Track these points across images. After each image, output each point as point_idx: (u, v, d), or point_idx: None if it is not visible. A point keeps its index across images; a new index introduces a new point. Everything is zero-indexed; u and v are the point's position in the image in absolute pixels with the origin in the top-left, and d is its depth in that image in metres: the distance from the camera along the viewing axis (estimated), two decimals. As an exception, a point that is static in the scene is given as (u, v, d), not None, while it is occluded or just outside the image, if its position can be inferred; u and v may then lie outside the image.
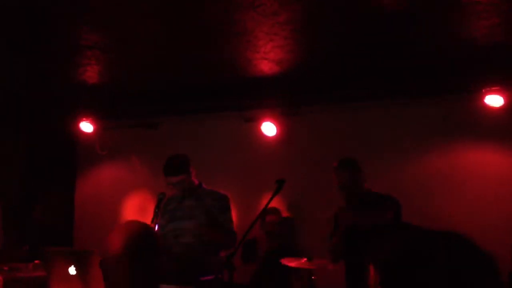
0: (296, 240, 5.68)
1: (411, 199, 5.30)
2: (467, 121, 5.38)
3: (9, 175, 6.47)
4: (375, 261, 1.78)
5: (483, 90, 5.17)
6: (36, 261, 4.33)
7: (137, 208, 6.54)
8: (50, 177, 6.85)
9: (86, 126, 6.65)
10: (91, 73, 5.35)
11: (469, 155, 5.46)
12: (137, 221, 2.38)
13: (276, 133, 6.03)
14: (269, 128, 6.02)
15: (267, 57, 4.87)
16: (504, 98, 5.13)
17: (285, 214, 5.76)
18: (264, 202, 4.03)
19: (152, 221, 3.94)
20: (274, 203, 4.10)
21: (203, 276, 4.02)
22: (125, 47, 4.76)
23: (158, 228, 3.99)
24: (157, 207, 4.16)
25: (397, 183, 5.53)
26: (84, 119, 6.62)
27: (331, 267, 4.16)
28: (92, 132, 6.71)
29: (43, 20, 4.15)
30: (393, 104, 5.62)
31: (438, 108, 5.49)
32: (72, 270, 3.63)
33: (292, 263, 4.40)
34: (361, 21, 4.15)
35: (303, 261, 4.37)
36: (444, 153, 5.53)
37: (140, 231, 2.24)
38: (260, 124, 6.04)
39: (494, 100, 5.17)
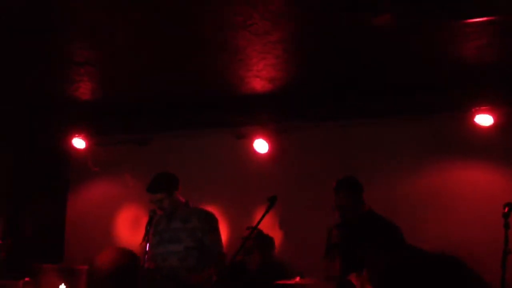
0: (287, 257, 5.66)
1: (402, 217, 5.32)
2: (457, 140, 5.43)
3: (2, 191, 6.44)
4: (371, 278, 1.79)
5: (473, 110, 5.22)
6: (27, 279, 4.30)
7: (129, 225, 6.51)
8: (42, 193, 6.82)
9: (79, 142, 6.64)
10: (84, 89, 5.37)
11: (459, 173, 5.50)
12: (122, 248, 2.46)
13: (268, 150, 6.05)
14: (261, 145, 6.04)
15: (260, 75, 4.91)
16: (493, 117, 5.19)
17: (273, 232, 5.72)
18: (256, 219, 4.05)
19: (144, 239, 3.93)
20: (266, 220, 4.10)
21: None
22: (118, 64, 4.79)
23: (149, 248, 3.97)
24: (149, 224, 4.14)
25: (387, 201, 5.55)
26: (76, 135, 6.61)
27: (323, 285, 4.15)
28: (84, 148, 6.70)
29: (37, 36, 4.16)
30: (384, 122, 5.67)
31: (428, 127, 5.54)
32: (62, 288, 3.62)
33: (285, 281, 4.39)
34: (352, 40, 4.20)
35: (297, 279, 4.36)
36: (434, 171, 5.57)
37: (124, 260, 2.29)
38: (252, 141, 6.06)
39: (484, 119, 5.23)
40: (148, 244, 3.90)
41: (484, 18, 3.64)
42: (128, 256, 2.38)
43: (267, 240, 5.53)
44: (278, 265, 5.34)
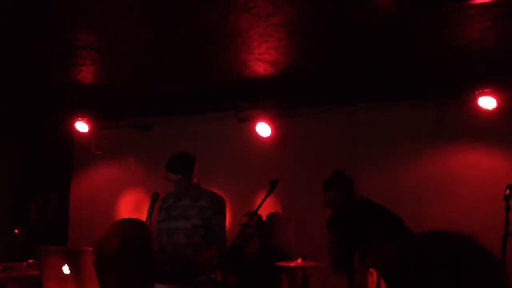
0: (289, 240, 5.69)
1: (405, 201, 5.33)
2: (461, 123, 5.41)
3: (4, 175, 6.47)
4: (379, 267, 1.76)
5: (476, 93, 5.20)
6: (31, 260, 4.33)
7: (132, 208, 6.55)
8: (46, 177, 6.86)
9: (82, 126, 6.66)
10: (86, 73, 5.36)
11: (463, 157, 5.50)
12: (132, 219, 2.33)
13: (271, 134, 6.05)
14: (263, 129, 6.04)
15: (262, 59, 4.89)
16: (497, 100, 5.17)
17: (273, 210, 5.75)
18: (257, 202, 4.07)
19: (146, 221, 3.95)
20: (267, 204, 4.13)
21: (196, 276, 4.03)
22: (120, 48, 4.78)
23: (153, 226, 4.00)
24: (151, 207, 4.17)
25: (391, 185, 5.56)
26: (79, 119, 6.63)
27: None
28: (87, 132, 6.72)
29: (38, 20, 4.16)
30: (387, 106, 5.65)
31: (432, 111, 5.52)
32: (65, 269, 3.64)
33: (286, 263, 4.41)
34: (355, 24, 4.17)
35: (298, 261, 4.38)
36: (438, 155, 5.56)
37: (136, 230, 2.15)
38: (254, 125, 6.06)
39: (487, 102, 5.21)
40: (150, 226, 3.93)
41: (488, 0, 3.61)
42: (137, 226, 2.21)
43: (267, 227, 5.57)
44: (278, 249, 5.37)
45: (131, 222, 2.23)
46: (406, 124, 5.66)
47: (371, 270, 1.78)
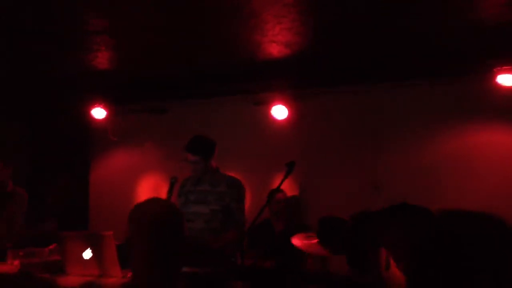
0: (305, 221, 5.72)
1: (424, 180, 5.33)
2: (479, 101, 5.36)
3: (23, 162, 6.55)
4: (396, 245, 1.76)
5: (495, 70, 5.14)
6: (52, 246, 4.40)
7: (150, 192, 6.60)
8: (65, 163, 6.93)
9: (99, 112, 6.70)
10: (101, 59, 5.38)
11: (482, 134, 5.45)
12: (160, 198, 2.33)
13: (287, 116, 6.04)
14: (279, 111, 6.02)
15: (276, 40, 4.86)
16: (515, 77, 5.10)
17: (291, 193, 5.79)
18: (274, 184, 4.08)
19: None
20: (283, 185, 4.14)
21: (215, 259, 4.06)
22: (134, 32, 4.77)
23: None
24: (170, 191, 4.21)
25: (409, 165, 5.54)
26: (96, 104, 6.67)
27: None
28: (104, 118, 6.76)
29: (52, 4, 4.16)
30: (404, 85, 5.61)
31: (449, 89, 5.47)
32: (87, 254, 3.70)
33: (303, 241, 4.43)
34: (369, 2, 4.12)
35: (315, 241, 4.39)
36: (456, 133, 5.52)
37: (165, 210, 2.14)
38: (270, 108, 6.05)
39: (506, 79, 5.14)
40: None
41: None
42: (170, 204, 2.26)
43: (296, 201, 5.68)
44: (301, 228, 5.43)
45: (159, 201, 2.23)
46: (423, 103, 5.62)
47: (382, 249, 1.81)
